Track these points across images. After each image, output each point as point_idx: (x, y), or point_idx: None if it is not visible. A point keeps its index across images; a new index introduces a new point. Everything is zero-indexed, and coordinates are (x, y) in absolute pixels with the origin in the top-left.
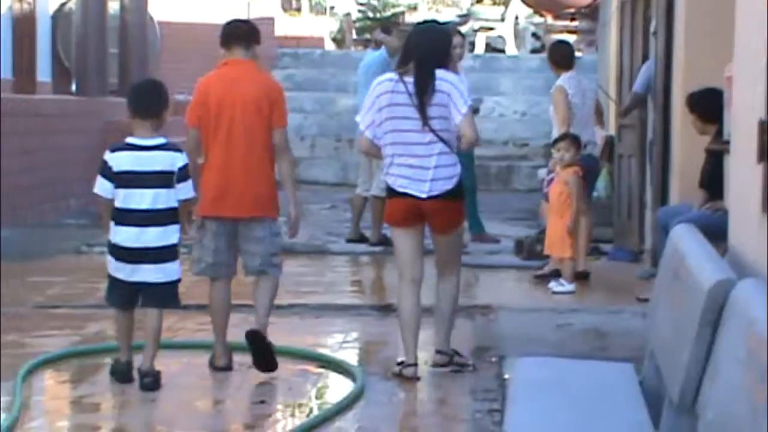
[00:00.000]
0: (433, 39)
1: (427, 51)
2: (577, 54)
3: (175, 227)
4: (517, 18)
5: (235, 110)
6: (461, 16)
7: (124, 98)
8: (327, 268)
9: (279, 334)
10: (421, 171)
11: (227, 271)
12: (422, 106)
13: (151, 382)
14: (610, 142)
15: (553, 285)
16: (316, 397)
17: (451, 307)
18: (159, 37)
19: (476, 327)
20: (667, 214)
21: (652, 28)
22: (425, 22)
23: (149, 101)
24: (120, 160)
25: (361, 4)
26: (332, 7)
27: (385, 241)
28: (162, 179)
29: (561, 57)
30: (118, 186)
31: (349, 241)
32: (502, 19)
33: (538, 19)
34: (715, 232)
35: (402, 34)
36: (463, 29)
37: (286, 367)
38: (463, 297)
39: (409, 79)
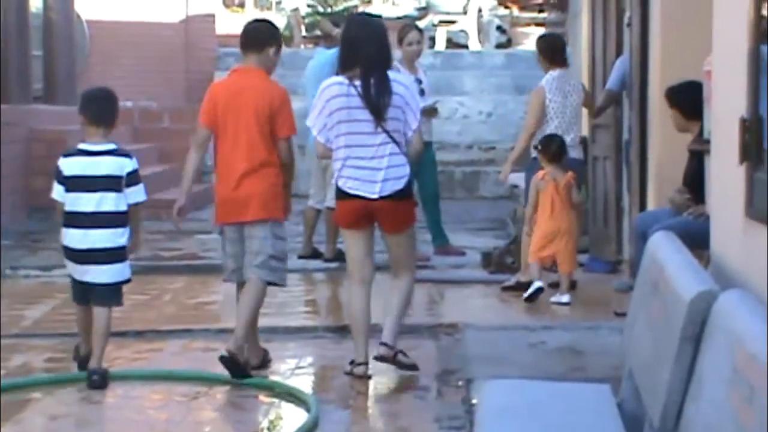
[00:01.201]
0: (376, 36)
1: (375, 51)
2: None
3: (122, 230)
4: (480, 10)
5: (239, 120)
6: (419, 9)
7: (49, 105)
8: (277, 288)
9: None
10: (371, 172)
11: (240, 276)
12: (378, 108)
13: (99, 379)
14: (583, 143)
15: (559, 297)
16: (268, 430)
17: (402, 301)
18: (87, 38)
19: (441, 348)
20: (646, 220)
21: (626, 20)
22: (358, 14)
23: (101, 109)
24: (70, 165)
25: None
26: (279, 2)
27: (341, 257)
28: (109, 183)
29: (553, 50)
30: (67, 190)
31: (301, 257)
32: (465, 12)
33: (503, 11)
34: (697, 240)
35: None
36: (422, 23)
37: (234, 397)
38: (426, 315)
39: (359, 83)
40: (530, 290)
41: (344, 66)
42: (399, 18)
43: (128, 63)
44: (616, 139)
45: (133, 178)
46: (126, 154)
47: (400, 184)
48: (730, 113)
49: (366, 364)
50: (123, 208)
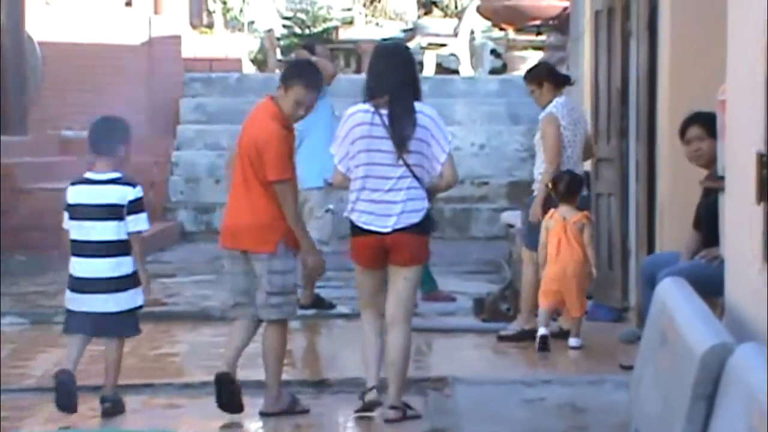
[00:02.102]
0: (404, 64)
1: (402, 80)
2: None
3: (127, 258)
4: (472, 32)
5: (242, 149)
6: (406, 31)
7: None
8: None
9: (191, 420)
10: (387, 206)
11: (247, 312)
12: (401, 140)
13: (110, 407)
14: (586, 179)
15: (575, 341)
16: None
17: (403, 359)
18: (40, 61)
19: (429, 404)
20: (654, 264)
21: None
22: (386, 40)
23: (103, 139)
24: (75, 193)
25: (287, 18)
26: (251, 23)
27: (319, 303)
28: (111, 212)
29: (554, 73)
30: (72, 218)
31: None
32: (455, 34)
33: (497, 33)
34: (711, 286)
35: (330, 53)
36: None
37: None
38: (412, 368)
39: (385, 111)
40: (537, 341)
41: (371, 94)
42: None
43: (85, 89)
44: (622, 174)
45: (135, 206)
46: (130, 183)
47: (416, 218)
48: (746, 147)
49: (376, 388)
50: (124, 236)
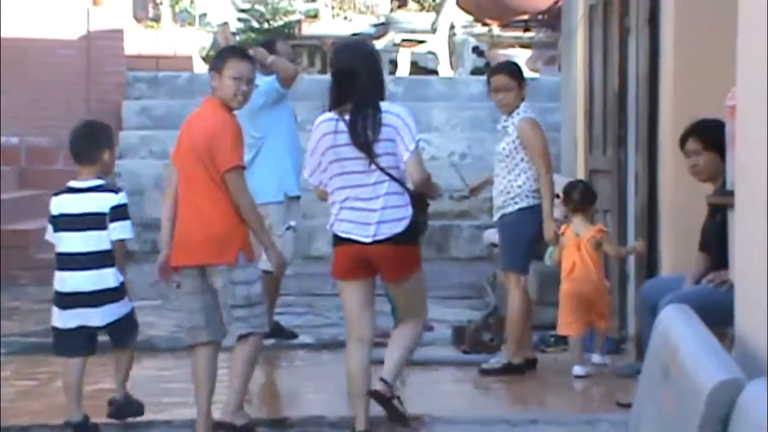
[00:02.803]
0: (369, 64)
1: (370, 83)
2: (533, 75)
3: (111, 270)
4: (452, 28)
5: (184, 156)
6: (377, 26)
7: None
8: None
9: None
10: (365, 213)
11: (206, 334)
12: (368, 144)
13: (116, 409)
14: None
15: (599, 357)
16: None
17: (409, 340)
18: None
19: None
20: (655, 289)
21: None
22: (346, 42)
23: (83, 146)
24: (58, 204)
25: (243, 11)
26: (203, 16)
27: (279, 331)
28: (94, 221)
29: (520, 72)
30: (56, 230)
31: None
32: (433, 30)
33: (480, 28)
34: (719, 315)
35: (292, 50)
36: (380, 44)
37: None
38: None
39: (347, 117)
40: (577, 373)
41: (336, 101)
42: (353, 35)
43: (15, 90)
44: (619, 188)
45: (117, 213)
46: (112, 189)
47: (399, 227)
48: (759, 159)
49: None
50: (107, 246)
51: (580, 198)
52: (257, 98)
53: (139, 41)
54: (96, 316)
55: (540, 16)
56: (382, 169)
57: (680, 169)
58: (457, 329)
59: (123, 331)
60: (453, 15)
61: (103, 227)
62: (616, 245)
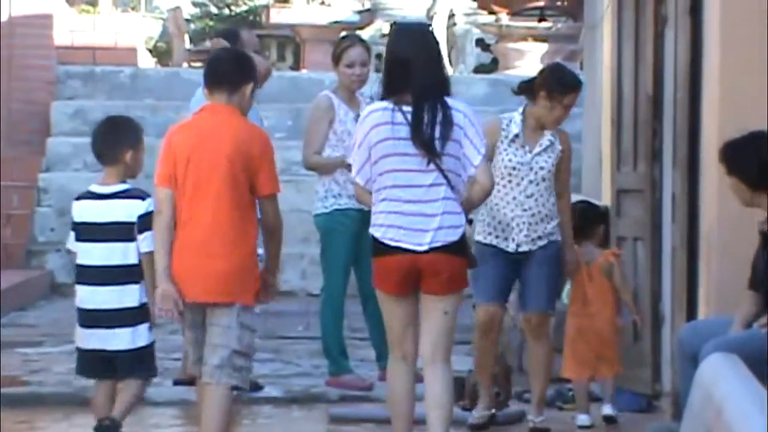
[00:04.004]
0: (430, 52)
1: (431, 71)
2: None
3: (134, 288)
4: (452, 16)
5: (202, 171)
6: (361, 13)
7: None
8: (143, 429)
9: None
10: (421, 219)
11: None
12: (431, 141)
13: (110, 425)
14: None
15: (609, 409)
16: None
17: (449, 399)
18: None
19: None
20: (697, 334)
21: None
22: (404, 25)
23: (102, 146)
24: (79, 210)
25: None
26: None
27: None
28: (118, 232)
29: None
30: (77, 239)
31: (177, 383)
32: (429, 18)
33: (485, 17)
34: None
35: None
36: (366, 33)
37: None
38: None
39: (409, 109)
40: (581, 423)
41: (390, 89)
42: (333, 24)
43: None
44: (653, 212)
45: (146, 223)
46: (139, 196)
47: (455, 235)
48: None
49: None
50: (133, 260)
51: (581, 221)
52: None
53: (72, 29)
54: (114, 339)
55: (558, 3)
56: (441, 171)
57: (726, 189)
58: (455, 381)
59: (141, 361)
60: (453, 0)
61: (129, 238)
62: (625, 278)
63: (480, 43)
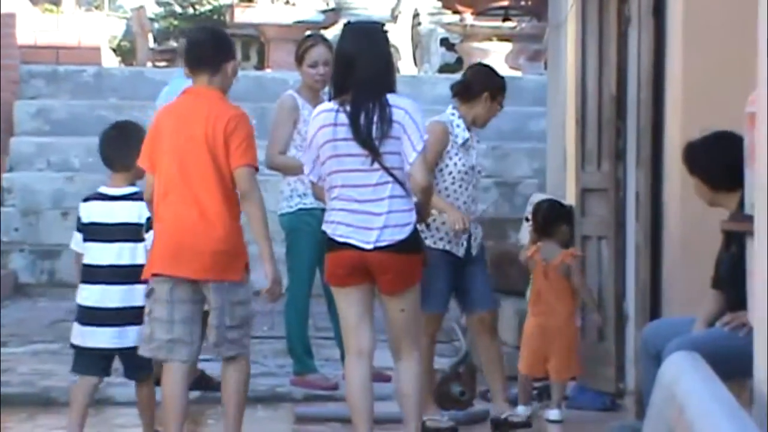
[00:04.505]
0: (375, 50)
1: (373, 70)
2: (514, 73)
3: (141, 287)
4: (417, 16)
5: (186, 152)
6: (326, 12)
7: None
8: (108, 429)
9: None
10: (367, 217)
11: (187, 351)
12: (371, 140)
13: None
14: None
15: (547, 413)
16: None
17: (418, 389)
18: None
19: None
20: (660, 333)
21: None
22: (356, 23)
23: (113, 151)
24: (88, 211)
25: None
26: None
27: (205, 383)
28: (127, 232)
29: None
30: (86, 239)
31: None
32: (394, 18)
33: (450, 16)
34: (736, 364)
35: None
36: (329, 34)
37: None
38: None
39: (348, 108)
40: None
41: (337, 89)
42: (298, 23)
43: None
44: (617, 211)
45: (152, 223)
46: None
47: (402, 233)
48: None
49: None
50: (141, 260)
51: (544, 219)
52: None
53: (35, 28)
54: (117, 337)
55: (522, 2)
56: (386, 169)
57: (690, 189)
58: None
59: (139, 361)
60: (417, 0)
61: (138, 239)
62: (583, 279)
63: (445, 42)
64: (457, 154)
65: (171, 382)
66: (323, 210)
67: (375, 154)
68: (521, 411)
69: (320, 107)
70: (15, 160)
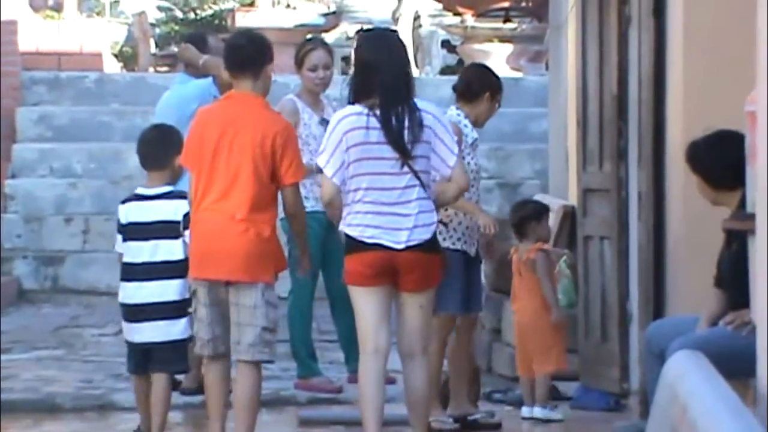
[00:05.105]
0: (396, 56)
1: (396, 75)
2: (515, 74)
3: (178, 282)
4: (418, 18)
5: (230, 158)
6: (326, 15)
7: None
8: None
9: None
10: (396, 218)
11: (226, 349)
12: (403, 144)
13: None
14: (570, 216)
15: (539, 411)
16: None
17: (428, 391)
18: None
19: None
20: (663, 333)
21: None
22: (370, 30)
23: (151, 151)
24: (126, 212)
25: None
26: (115, 3)
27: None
28: (163, 229)
29: None
30: (125, 239)
31: (186, 392)
32: (395, 20)
33: (451, 18)
34: (739, 363)
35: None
36: (331, 37)
37: None
38: None
39: (378, 112)
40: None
41: (359, 93)
42: (299, 27)
43: None
44: (619, 211)
45: (189, 220)
46: (182, 196)
47: (429, 233)
48: None
49: None
50: (180, 256)
51: (515, 220)
52: (188, 105)
53: (37, 35)
54: (159, 331)
55: (523, 4)
56: (414, 173)
57: (692, 188)
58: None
59: (176, 355)
60: (418, 2)
61: (174, 236)
62: (547, 274)
63: (446, 44)
64: (469, 154)
65: (213, 377)
66: (325, 213)
67: (406, 158)
68: (526, 412)
69: (346, 110)
70: (17, 167)
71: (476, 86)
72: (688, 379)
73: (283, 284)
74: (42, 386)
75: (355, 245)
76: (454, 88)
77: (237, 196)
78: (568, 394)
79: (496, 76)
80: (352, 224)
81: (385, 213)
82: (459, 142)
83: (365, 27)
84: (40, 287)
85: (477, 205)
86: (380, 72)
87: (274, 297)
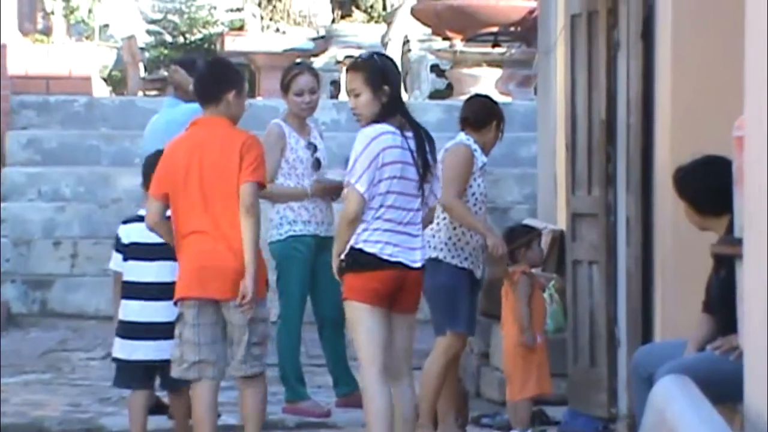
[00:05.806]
0: (396, 77)
1: (401, 95)
2: (504, 99)
3: None
4: (407, 42)
5: (204, 179)
6: (315, 40)
7: None
8: None
9: None
10: (408, 238)
11: (214, 370)
12: (427, 168)
13: None
14: (559, 240)
15: None
16: None
17: (415, 412)
18: None
19: None
20: (651, 357)
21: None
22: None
23: (153, 173)
24: (129, 232)
25: (154, 22)
26: (105, 27)
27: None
28: (167, 251)
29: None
30: (126, 258)
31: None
32: (384, 45)
33: (440, 43)
34: (727, 388)
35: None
36: (320, 61)
37: None
38: None
39: (410, 134)
40: None
41: (386, 114)
42: (288, 51)
43: None
44: (607, 235)
45: None
46: None
47: (429, 252)
48: None
49: None
50: None
51: (510, 248)
52: (177, 129)
53: (26, 58)
54: (158, 350)
55: (512, 29)
56: (423, 197)
57: (680, 213)
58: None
59: None
60: (407, 27)
61: (176, 257)
62: (521, 299)
63: (435, 68)
64: (480, 177)
65: (201, 400)
66: (313, 236)
67: (424, 182)
68: None
69: (379, 128)
70: (6, 191)
71: (483, 115)
72: (676, 403)
73: (273, 309)
74: (30, 410)
75: (374, 262)
76: (463, 120)
77: (215, 214)
78: (557, 419)
79: (499, 106)
80: (370, 240)
81: (400, 232)
82: (470, 165)
83: (362, 53)
84: (29, 311)
85: (488, 225)
86: (399, 94)
87: (264, 311)
